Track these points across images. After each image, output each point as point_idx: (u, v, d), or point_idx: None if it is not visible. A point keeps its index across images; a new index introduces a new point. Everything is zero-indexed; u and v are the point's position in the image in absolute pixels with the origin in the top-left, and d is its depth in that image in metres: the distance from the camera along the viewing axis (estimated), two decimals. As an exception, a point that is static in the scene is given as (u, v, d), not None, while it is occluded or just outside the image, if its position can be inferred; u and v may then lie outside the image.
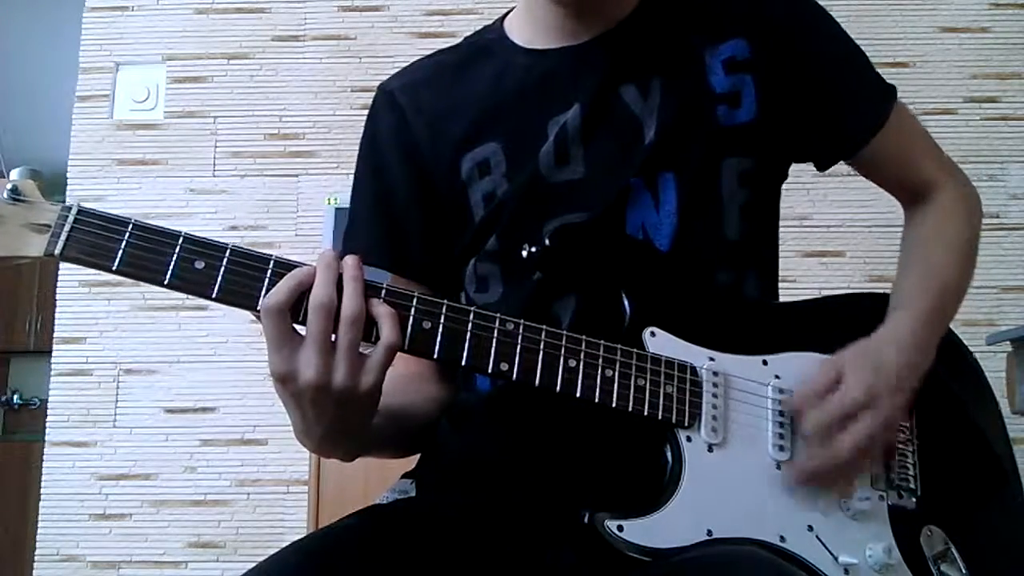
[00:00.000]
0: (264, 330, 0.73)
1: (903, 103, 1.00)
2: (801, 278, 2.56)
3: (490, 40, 1.02)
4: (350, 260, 0.75)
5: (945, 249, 0.97)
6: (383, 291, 0.76)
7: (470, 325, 0.77)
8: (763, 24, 0.94)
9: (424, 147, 0.98)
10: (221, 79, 2.89)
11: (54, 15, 3.93)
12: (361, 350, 0.75)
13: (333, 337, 0.73)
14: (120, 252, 0.72)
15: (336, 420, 0.76)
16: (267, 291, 0.73)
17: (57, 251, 0.72)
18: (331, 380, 0.73)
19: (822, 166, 1.01)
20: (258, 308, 0.73)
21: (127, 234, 0.73)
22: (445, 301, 0.77)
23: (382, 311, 0.74)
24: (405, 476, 0.96)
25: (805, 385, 0.84)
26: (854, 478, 0.84)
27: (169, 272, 0.73)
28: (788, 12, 0.96)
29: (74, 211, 0.72)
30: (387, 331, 0.74)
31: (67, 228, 0.72)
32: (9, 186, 0.73)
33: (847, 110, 0.97)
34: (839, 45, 0.99)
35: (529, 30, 0.99)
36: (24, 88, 4.76)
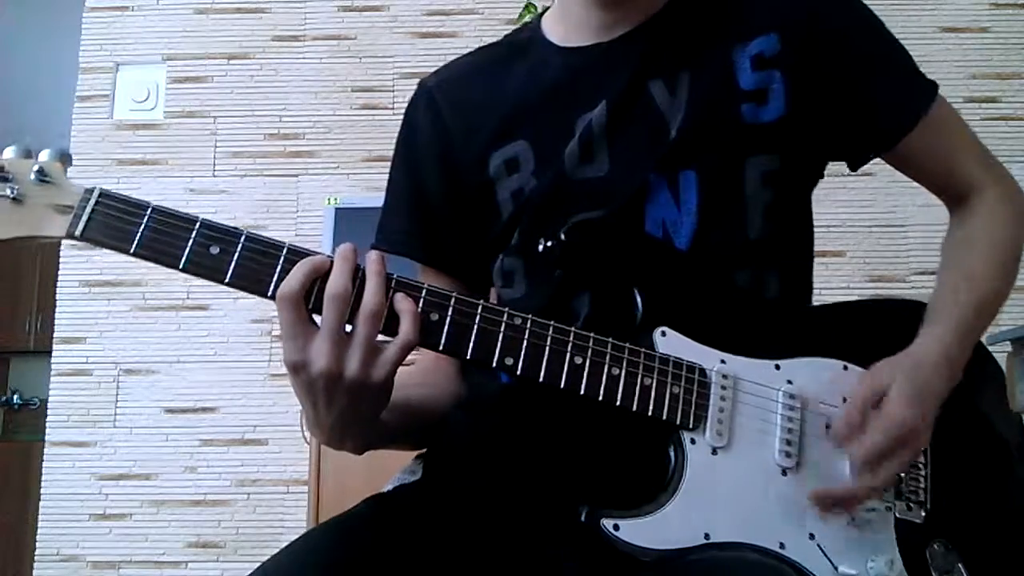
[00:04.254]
0: (279, 318, 0.74)
1: (946, 101, 0.97)
2: (801, 278, 2.55)
3: (527, 39, 1.02)
4: (373, 255, 0.76)
5: (984, 258, 0.93)
6: (393, 281, 0.76)
7: (477, 319, 0.77)
8: (795, 17, 0.93)
9: (457, 143, 0.99)
10: (221, 79, 2.89)
11: (54, 15, 3.93)
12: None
13: (348, 328, 0.74)
14: (138, 235, 0.74)
15: (347, 411, 0.77)
16: (279, 278, 0.74)
17: (78, 232, 0.74)
18: (343, 370, 0.73)
19: (855, 163, 0.98)
20: (269, 294, 0.74)
21: (146, 218, 0.74)
22: (454, 294, 0.78)
23: (405, 307, 0.75)
24: (417, 457, 0.97)
25: (850, 405, 0.82)
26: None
27: (185, 256, 0.74)
28: (822, 4, 0.94)
29: (96, 193, 0.75)
30: (406, 328, 0.74)
31: (88, 210, 0.74)
32: (36, 167, 0.75)
33: (883, 103, 0.94)
34: (876, 38, 0.97)
35: (562, 28, 0.99)
36: (24, 88, 4.76)
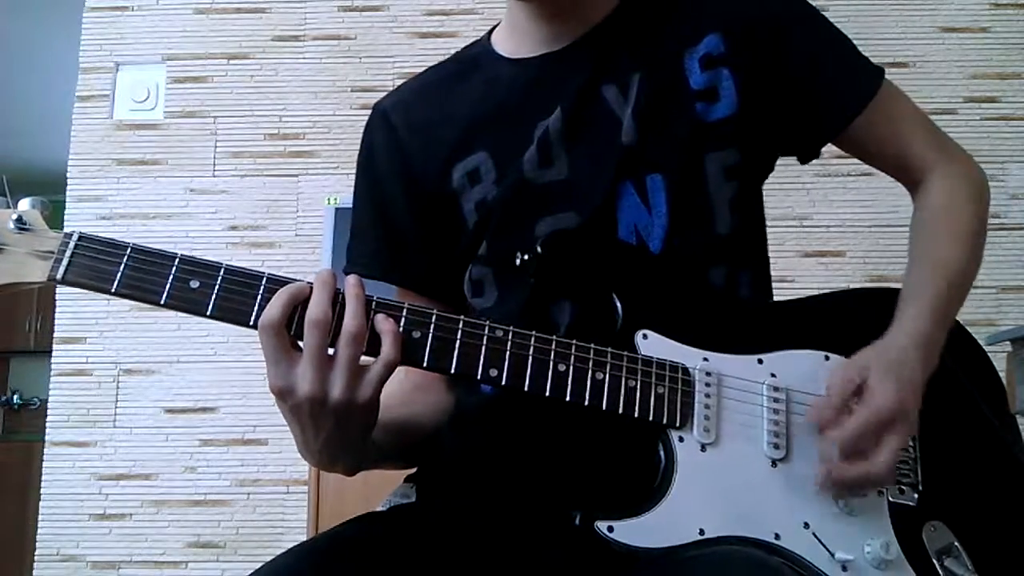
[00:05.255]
0: (262, 346, 0.75)
1: (897, 88, 0.99)
2: (801, 278, 2.56)
3: (477, 54, 1.04)
4: (351, 278, 0.77)
5: (948, 237, 0.94)
6: (373, 302, 0.77)
7: (459, 333, 0.78)
8: (737, 16, 0.95)
9: (416, 161, 0.99)
10: (221, 79, 2.89)
11: (54, 15, 3.92)
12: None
13: (331, 351, 0.75)
14: (119, 275, 0.76)
15: (334, 434, 0.78)
16: (259, 308, 0.75)
17: (59, 276, 0.76)
18: (328, 393, 0.74)
19: (806, 156, 1.00)
20: (251, 324, 0.75)
21: (125, 257, 0.76)
22: (435, 311, 0.79)
23: (386, 327, 0.76)
24: (408, 480, 0.97)
25: (829, 392, 0.83)
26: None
27: (165, 293, 0.75)
28: (762, 2, 0.97)
29: (75, 238, 0.77)
30: (387, 347, 0.76)
31: (68, 254, 0.76)
32: (15, 216, 0.76)
33: (830, 90, 0.96)
34: (817, 30, 0.98)
35: (512, 41, 1.01)
36: (24, 88, 4.76)
